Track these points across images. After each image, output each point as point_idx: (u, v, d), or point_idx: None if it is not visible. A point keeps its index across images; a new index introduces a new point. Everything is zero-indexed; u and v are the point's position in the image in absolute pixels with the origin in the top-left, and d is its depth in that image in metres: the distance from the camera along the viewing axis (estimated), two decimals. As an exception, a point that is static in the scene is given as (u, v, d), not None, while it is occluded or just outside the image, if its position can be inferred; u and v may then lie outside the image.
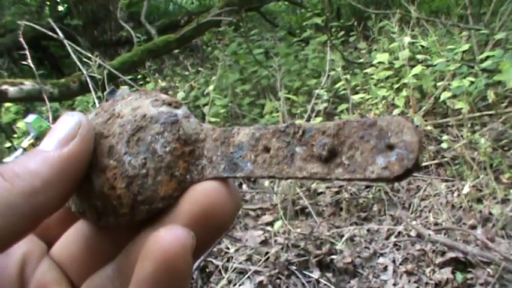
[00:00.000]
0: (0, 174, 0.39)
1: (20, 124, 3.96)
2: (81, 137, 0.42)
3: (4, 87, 3.85)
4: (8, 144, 4.08)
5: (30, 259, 0.47)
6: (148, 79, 4.84)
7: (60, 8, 7.96)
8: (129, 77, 4.58)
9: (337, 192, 3.52)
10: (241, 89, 4.97)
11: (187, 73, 5.64)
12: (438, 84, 3.89)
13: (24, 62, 3.95)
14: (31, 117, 3.20)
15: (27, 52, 3.89)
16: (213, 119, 3.94)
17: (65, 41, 4.27)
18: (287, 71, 4.92)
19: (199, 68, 5.41)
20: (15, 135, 4.18)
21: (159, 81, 5.43)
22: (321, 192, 3.59)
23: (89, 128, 0.43)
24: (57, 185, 0.40)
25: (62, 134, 0.42)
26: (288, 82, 4.74)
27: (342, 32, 5.64)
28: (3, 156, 3.84)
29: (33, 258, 0.47)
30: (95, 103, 3.84)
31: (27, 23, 4.99)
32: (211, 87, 4.00)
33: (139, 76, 5.16)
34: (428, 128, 3.73)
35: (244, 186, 3.82)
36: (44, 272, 0.46)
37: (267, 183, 3.64)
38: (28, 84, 3.99)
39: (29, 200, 0.38)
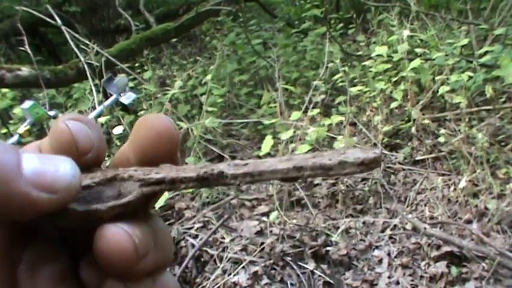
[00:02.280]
0: None
1: (17, 110, 3.94)
2: (65, 194, 0.37)
3: (1, 72, 3.83)
4: (4, 130, 4.07)
5: None
6: (146, 67, 4.82)
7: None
8: (127, 65, 4.56)
9: (333, 184, 3.52)
10: (239, 79, 4.96)
11: (185, 62, 5.62)
12: (436, 78, 3.88)
13: (21, 48, 3.93)
14: (28, 104, 3.19)
15: (24, 38, 3.87)
16: (210, 109, 3.93)
17: (63, 28, 4.25)
18: (285, 62, 4.92)
19: (198, 58, 5.39)
20: (11, 121, 4.16)
21: (157, 70, 5.41)
22: (317, 184, 3.59)
23: (77, 186, 0.39)
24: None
25: (50, 176, 0.37)
26: (286, 73, 4.73)
27: (341, 24, 5.63)
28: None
29: None
30: (91, 90, 3.82)
31: (25, 8, 4.97)
32: (209, 77, 3.98)
33: (136, 64, 5.14)
34: (426, 121, 3.73)
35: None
36: None
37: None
38: (25, 70, 3.96)
39: None
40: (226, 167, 0.40)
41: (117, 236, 0.39)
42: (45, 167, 0.37)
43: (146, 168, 0.41)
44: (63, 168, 0.38)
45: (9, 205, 0.36)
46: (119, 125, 3.58)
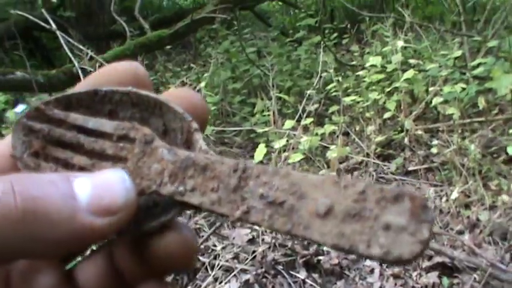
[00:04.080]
0: (15, 192, 0.33)
1: (9, 114, 3.94)
2: (124, 214, 0.36)
3: (-6, 76, 3.82)
4: (-4, 134, 4.06)
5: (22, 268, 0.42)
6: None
7: (53, -1, 7.88)
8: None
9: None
10: (233, 87, 4.95)
11: (178, 69, 5.62)
12: (430, 89, 3.90)
13: (15, 52, 3.93)
14: (21, 108, 3.20)
15: (18, 42, 3.87)
16: (203, 116, 3.92)
17: (57, 32, 4.24)
18: (279, 71, 4.92)
19: (192, 65, 5.39)
20: (3, 125, 4.15)
21: (150, 76, 5.40)
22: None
23: (134, 204, 0.38)
24: (63, 248, 0.36)
25: (107, 198, 0.36)
26: (280, 82, 4.73)
27: (335, 34, 5.65)
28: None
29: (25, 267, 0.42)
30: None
31: (19, 12, 4.96)
32: (202, 84, 3.99)
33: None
34: (419, 132, 3.74)
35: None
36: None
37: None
38: (18, 74, 3.96)
39: (22, 242, 0.33)
40: (261, 211, 0.37)
41: (189, 236, 0.41)
42: (99, 189, 0.36)
43: (176, 165, 0.40)
44: (116, 183, 0.37)
45: (73, 241, 0.35)
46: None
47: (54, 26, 4.32)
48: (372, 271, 2.81)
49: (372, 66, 4.09)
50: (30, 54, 6.49)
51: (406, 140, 3.74)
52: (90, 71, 3.87)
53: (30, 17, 4.61)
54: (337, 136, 3.76)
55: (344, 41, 5.72)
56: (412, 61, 4.12)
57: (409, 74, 3.78)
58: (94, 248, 0.44)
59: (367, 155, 3.71)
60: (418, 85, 3.94)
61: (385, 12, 5.75)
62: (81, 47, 4.26)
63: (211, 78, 4.73)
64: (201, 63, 5.89)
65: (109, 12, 5.89)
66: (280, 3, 7.55)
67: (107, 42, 6.75)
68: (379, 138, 3.75)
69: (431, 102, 3.74)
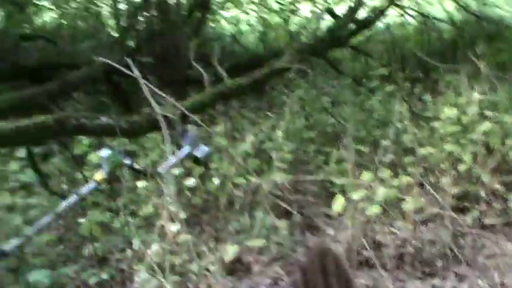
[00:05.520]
0: None
1: (92, 157, 4.09)
2: None
3: (82, 120, 3.98)
4: (79, 176, 4.20)
5: None
6: (216, 120, 4.91)
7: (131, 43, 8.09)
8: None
9: (401, 246, 3.51)
10: (308, 136, 4.99)
11: (253, 115, 5.69)
12: (506, 141, 3.88)
13: (102, 99, 4.09)
14: (106, 152, 3.35)
15: (103, 87, 4.02)
16: (279, 164, 4.00)
17: (140, 80, 4.39)
18: (353, 120, 4.95)
19: (267, 112, 5.49)
20: (85, 167, 4.29)
21: (226, 122, 5.50)
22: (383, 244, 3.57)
23: None
24: None
25: None
26: (354, 131, 4.76)
27: (407, 83, 5.66)
28: (75, 187, 3.95)
29: None
30: (163, 141, 3.92)
31: (102, 58, 5.16)
32: (279, 133, 4.07)
33: (205, 116, 5.22)
34: (496, 186, 3.72)
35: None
36: None
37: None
38: (103, 120, 4.11)
39: None
40: None
41: None
42: None
43: None
44: None
45: None
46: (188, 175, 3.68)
47: (137, 72, 4.47)
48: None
49: (447, 118, 4.09)
50: (111, 98, 6.70)
51: (482, 193, 3.72)
52: (172, 118, 4.00)
53: (114, 64, 4.78)
54: (412, 187, 3.77)
55: (416, 90, 5.73)
56: (488, 113, 4.11)
57: (486, 126, 3.78)
58: None
59: (443, 207, 3.70)
60: (493, 138, 3.92)
61: (457, 59, 5.73)
62: (161, 93, 4.38)
63: (287, 126, 4.80)
64: (275, 111, 5.97)
65: (184, 57, 6.05)
66: (351, 51, 7.63)
67: (183, 87, 6.92)
68: (455, 190, 3.74)
69: (507, 154, 3.71)
